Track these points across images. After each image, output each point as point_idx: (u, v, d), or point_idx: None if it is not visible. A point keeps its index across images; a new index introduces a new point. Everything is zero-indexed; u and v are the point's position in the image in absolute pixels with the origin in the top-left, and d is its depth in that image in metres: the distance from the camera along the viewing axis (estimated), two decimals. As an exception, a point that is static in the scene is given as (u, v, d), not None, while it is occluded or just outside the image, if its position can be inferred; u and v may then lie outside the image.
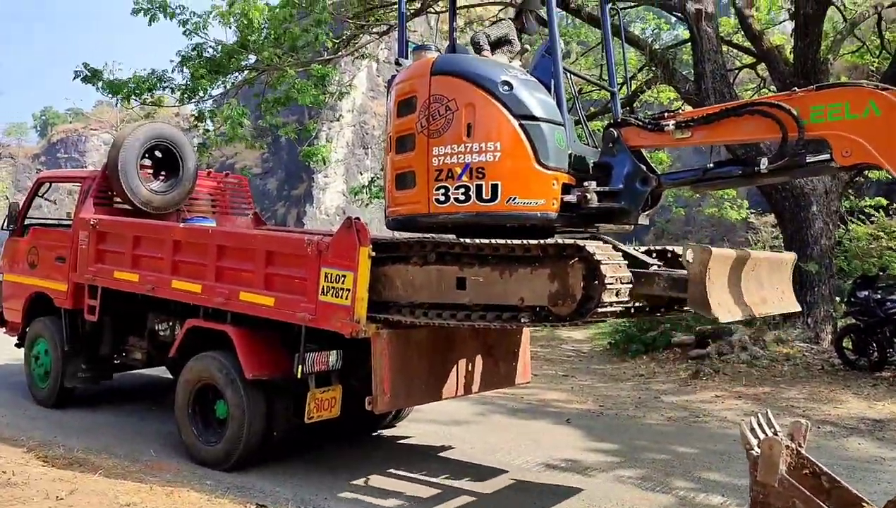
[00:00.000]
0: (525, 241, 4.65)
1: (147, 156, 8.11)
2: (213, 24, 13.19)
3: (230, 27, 13.36)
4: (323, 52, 13.77)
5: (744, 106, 4.79)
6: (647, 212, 5.32)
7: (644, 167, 5.15)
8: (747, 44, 15.01)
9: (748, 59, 16.39)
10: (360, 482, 5.80)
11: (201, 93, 13.48)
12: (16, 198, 10.41)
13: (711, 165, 5.05)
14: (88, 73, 12.57)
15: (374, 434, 7.28)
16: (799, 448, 4.02)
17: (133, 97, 13.08)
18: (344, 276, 5.24)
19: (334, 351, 5.76)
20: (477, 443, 7.03)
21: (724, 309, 4.50)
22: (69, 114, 63.43)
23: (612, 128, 5.28)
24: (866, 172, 14.22)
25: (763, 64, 14.55)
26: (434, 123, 5.04)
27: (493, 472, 6.13)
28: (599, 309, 4.43)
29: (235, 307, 5.97)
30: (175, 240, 6.57)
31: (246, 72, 13.95)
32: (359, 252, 5.15)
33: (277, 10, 12.96)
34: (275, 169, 40.33)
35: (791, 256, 5.72)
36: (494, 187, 4.85)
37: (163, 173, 8.34)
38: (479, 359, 6.19)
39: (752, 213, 20.22)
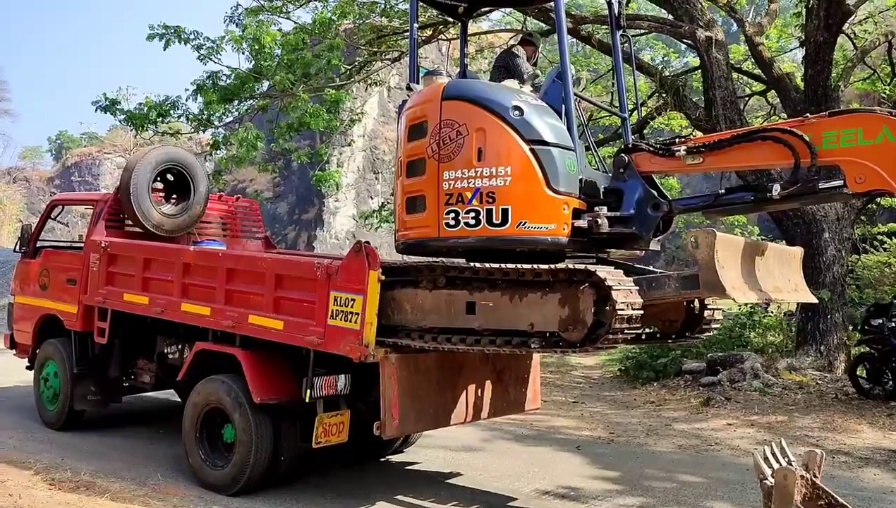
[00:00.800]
0: (535, 266, 4.62)
1: (159, 179, 8.17)
2: (227, 50, 13.36)
3: (243, 53, 13.53)
4: (336, 77, 13.90)
5: (756, 132, 4.79)
6: (658, 238, 5.30)
7: (655, 192, 5.14)
8: (757, 71, 15.04)
9: (758, 86, 16.43)
10: (368, 508, 5.74)
11: (216, 122, 13.61)
12: (29, 221, 10.45)
13: (723, 191, 5.05)
14: (108, 103, 12.73)
15: (382, 459, 7.21)
16: (814, 479, 3.96)
17: (148, 124, 13.21)
18: (353, 300, 5.22)
19: (343, 376, 5.73)
20: (486, 470, 6.95)
21: (739, 292, 4.49)
22: (84, 137, 64.05)
23: (623, 154, 5.29)
24: (878, 199, 14.14)
25: (773, 91, 14.57)
26: (444, 148, 5.05)
27: (501, 499, 6.06)
28: (611, 336, 4.40)
29: (244, 330, 5.96)
30: (185, 263, 6.59)
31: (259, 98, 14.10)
32: (368, 275, 5.14)
33: (291, 35, 13.12)
34: (286, 193, 40.47)
35: (798, 250, 5.70)
36: (505, 211, 4.85)
37: (174, 196, 8.39)
38: (488, 385, 6.14)
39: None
